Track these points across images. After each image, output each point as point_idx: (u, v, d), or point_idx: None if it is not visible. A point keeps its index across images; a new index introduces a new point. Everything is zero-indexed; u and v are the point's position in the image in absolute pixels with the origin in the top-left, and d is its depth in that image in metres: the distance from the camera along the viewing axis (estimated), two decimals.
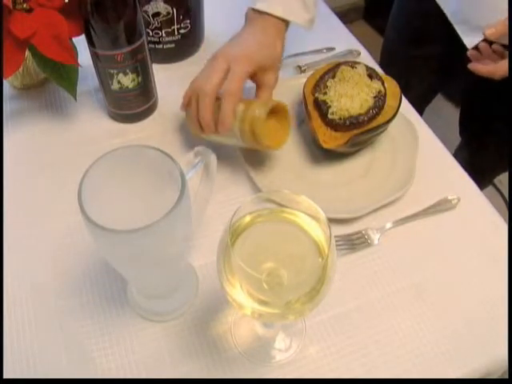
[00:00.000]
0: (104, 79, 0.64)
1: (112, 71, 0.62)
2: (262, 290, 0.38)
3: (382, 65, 0.77)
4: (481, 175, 1.05)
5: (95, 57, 0.62)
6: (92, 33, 0.59)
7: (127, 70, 0.63)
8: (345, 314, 0.53)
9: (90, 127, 0.70)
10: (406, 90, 0.66)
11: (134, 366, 0.50)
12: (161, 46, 0.75)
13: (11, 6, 0.56)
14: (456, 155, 0.70)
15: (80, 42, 0.62)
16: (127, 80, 0.64)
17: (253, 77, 0.61)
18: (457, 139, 1.13)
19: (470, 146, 1.09)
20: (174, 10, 0.71)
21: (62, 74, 0.66)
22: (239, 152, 0.65)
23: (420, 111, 0.73)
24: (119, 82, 0.64)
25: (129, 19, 0.58)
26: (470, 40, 0.77)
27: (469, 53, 0.69)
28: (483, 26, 0.63)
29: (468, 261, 0.57)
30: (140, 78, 0.65)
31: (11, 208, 0.60)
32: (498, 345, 0.51)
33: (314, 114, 0.63)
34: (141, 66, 0.64)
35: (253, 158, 0.64)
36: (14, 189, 0.63)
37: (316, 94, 0.63)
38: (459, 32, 0.79)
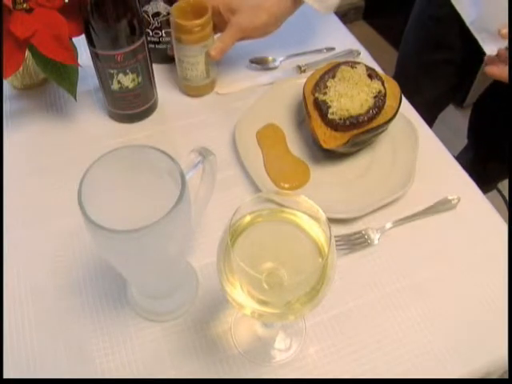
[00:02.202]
0: (104, 79, 0.64)
1: (112, 71, 0.62)
2: (262, 290, 0.38)
3: (397, 68, 0.77)
4: (485, 181, 1.05)
5: (95, 57, 0.62)
6: (92, 33, 0.59)
7: (127, 70, 0.63)
8: (345, 313, 0.53)
9: (89, 127, 0.70)
10: (420, 95, 0.66)
11: (134, 366, 0.50)
12: (161, 45, 0.75)
13: (11, 6, 0.56)
14: (460, 157, 0.70)
15: (80, 41, 0.62)
16: (127, 80, 0.64)
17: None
18: (459, 141, 1.13)
19: (477, 152, 1.08)
20: None
21: (62, 74, 0.66)
22: (239, 152, 0.65)
23: (433, 117, 0.73)
24: (119, 82, 0.64)
25: (129, 19, 0.58)
26: (490, 48, 0.78)
27: (486, 57, 0.69)
28: (498, 26, 0.63)
29: (468, 261, 0.57)
30: (140, 78, 0.65)
31: (11, 208, 0.60)
32: (498, 345, 0.51)
33: (314, 114, 0.63)
34: (141, 66, 0.64)
35: (253, 157, 0.65)
36: (14, 189, 0.63)
37: (316, 94, 0.63)
38: (479, 40, 0.79)
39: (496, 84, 0.67)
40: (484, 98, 1.01)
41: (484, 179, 1.04)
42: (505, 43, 0.70)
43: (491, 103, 0.97)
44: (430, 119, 0.73)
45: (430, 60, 0.96)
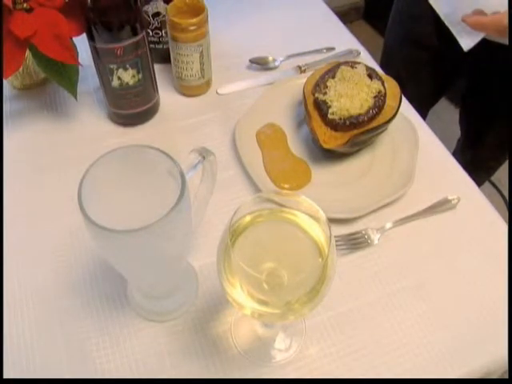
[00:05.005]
0: (104, 76, 0.64)
1: (112, 66, 0.62)
2: (262, 289, 0.38)
3: (381, 66, 0.77)
4: (480, 166, 1.04)
5: (95, 52, 0.62)
6: (91, 26, 0.58)
7: (127, 65, 0.62)
8: (345, 313, 0.53)
9: (90, 127, 0.70)
10: (405, 92, 0.66)
11: (134, 366, 0.50)
12: (161, 45, 0.75)
13: (11, 6, 0.56)
14: (456, 152, 0.70)
15: (80, 42, 0.62)
16: (127, 76, 0.64)
17: None
18: (457, 139, 1.13)
19: (471, 132, 1.07)
20: None
21: (63, 73, 0.66)
22: (239, 152, 0.65)
23: (421, 114, 0.73)
24: (119, 78, 0.63)
25: (128, 12, 0.58)
26: (466, 42, 0.77)
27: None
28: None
29: (468, 261, 0.57)
30: (140, 75, 0.65)
31: (11, 208, 0.60)
32: (498, 345, 0.51)
33: (314, 114, 0.63)
34: (141, 61, 0.63)
35: (253, 157, 0.65)
36: (14, 189, 0.63)
37: (316, 94, 0.63)
38: (454, 33, 0.79)
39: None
40: (473, 80, 1.00)
41: (479, 164, 1.03)
42: (479, 36, 0.70)
43: (481, 84, 0.96)
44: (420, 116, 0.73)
45: (410, 58, 0.96)
